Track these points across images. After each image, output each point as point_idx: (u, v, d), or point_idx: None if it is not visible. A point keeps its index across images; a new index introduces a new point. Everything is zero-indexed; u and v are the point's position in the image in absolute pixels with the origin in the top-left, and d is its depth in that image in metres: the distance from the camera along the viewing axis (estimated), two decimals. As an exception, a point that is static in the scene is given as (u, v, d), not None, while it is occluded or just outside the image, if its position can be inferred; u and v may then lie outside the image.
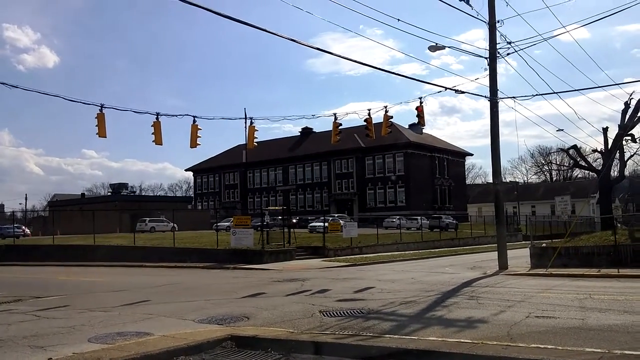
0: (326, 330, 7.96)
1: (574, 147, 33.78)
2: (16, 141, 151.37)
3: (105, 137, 16.26)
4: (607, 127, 30.69)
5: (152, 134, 17.11)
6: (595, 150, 32.66)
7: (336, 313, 9.65)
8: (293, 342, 6.95)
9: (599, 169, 32.35)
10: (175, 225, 37.08)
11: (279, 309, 10.22)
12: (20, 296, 13.30)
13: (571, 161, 39.54)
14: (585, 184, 72.69)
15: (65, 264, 25.00)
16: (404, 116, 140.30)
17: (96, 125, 15.98)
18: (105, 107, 15.85)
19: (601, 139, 30.20)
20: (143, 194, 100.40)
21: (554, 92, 26.88)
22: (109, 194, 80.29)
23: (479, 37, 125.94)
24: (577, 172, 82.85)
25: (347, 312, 9.69)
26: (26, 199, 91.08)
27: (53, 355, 6.49)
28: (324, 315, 9.42)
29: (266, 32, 12.86)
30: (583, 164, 35.79)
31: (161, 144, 17.29)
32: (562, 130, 32.10)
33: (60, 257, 27.00)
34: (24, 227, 43.52)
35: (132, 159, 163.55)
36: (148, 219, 44.69)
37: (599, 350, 6.05)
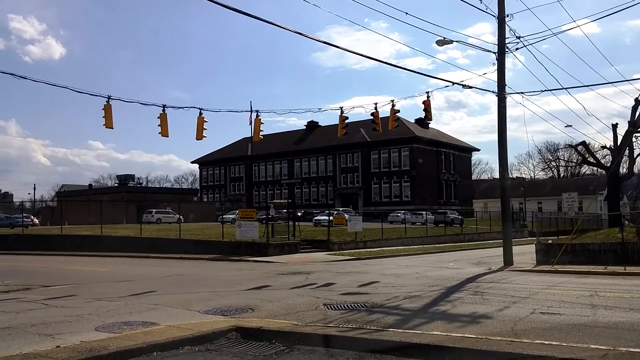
0: (330, 323, 7.99)
1: (583, 143, 33.56)
2: (23, 132, 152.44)
3: (112, 128, 16.37)
4: (616, 124, 30.47)
5: (159, 125, 17.18)
6: (604, 147, 32.47)
7: (340, 306, 9.68)
8: (297, 334, 6.99)
9: (608, 165, 32.17)
10: (181, 217, 37.28)
11: (283, 302, 10.28)
12: (29, 285, 13.45)
13: (579, 157, 39.29)
14: (593, 181, 72.22)
15: (72, 254, 25.23)
16: (409, 110, 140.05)
17: (103, 117, 16.07)
18: (112, 99, 15.93)
19: (610, 135, 30.02)
20: (149, 185, 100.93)
21: (563, 88, 26.75)
22: (116, 185, 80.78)
23: (485, 31, 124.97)
24: (585, 169, 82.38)
25: (351, 306, 9.72)
26: (34, 189, 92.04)
27: (61, 343, 6.56)
28: (328, 309, 9.46)
29: (272, 25, 12.84)
30: (592, 160, 35.55)
31: (167, 136, 17.37)
32: (571, 126, 31.90)
33: (68, 247, 27.25)
34: (32, 217, 43.90)
35: (138, 151, 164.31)
36: (154, 210, 44.96)
37: (604, 347, 6.04)
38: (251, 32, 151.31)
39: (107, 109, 15.98)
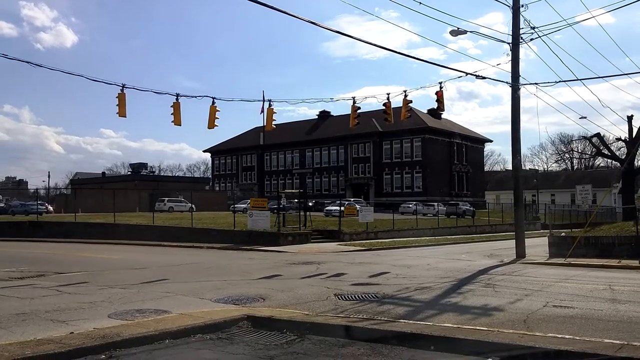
0: (341, 314, 8.00)
1: (597, 135, 33.10)
2: (37, 119, 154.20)
3: (126, 117, 16.43)
4: (631, 115, 30.09)
5: (172, 114, 17.21)
6: (619, 139, 32.06)
7: (351, 297, 9.69)
8: (308, 324, 7.01)
9: (623, 158, 31.72)
10: (193, 205, 37.54)
11: (294, 291, 10.31)
12: (43, 271, 13.65)
13: (594, 149, 38.76)
14: (608, 173, 71.26)
15: (86, 241, 25.57)
16: (421, 101, 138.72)
17: (117, 105, 16.13)
18: (126, 87, 15.96)
19: (625, 127, 29.58)
20: (162, 174, 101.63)
21: (577, 79, 26.37)
22: (129, 173, 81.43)
23: (497, 21, 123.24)
24: (600, 161, 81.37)
25: (362, 296, 9.73)
26: (49, 176, 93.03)
27: (74, 329, 6.64)
28: (339, 299, 9.47)
29: (283, 14, 12.73)
30: (606, 152, 35.13)
31: (180, 125, 17.40)
32: (585, 117, 31.44)
33: (82, 234, 27.63)
34: (47, 204, 44.48)
35: (150, 139, 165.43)
36: (167, 198, 45.33)
37: (617, 341, 5.96)
38: (260, 22, 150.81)
39: (121, 97, 16.03)
